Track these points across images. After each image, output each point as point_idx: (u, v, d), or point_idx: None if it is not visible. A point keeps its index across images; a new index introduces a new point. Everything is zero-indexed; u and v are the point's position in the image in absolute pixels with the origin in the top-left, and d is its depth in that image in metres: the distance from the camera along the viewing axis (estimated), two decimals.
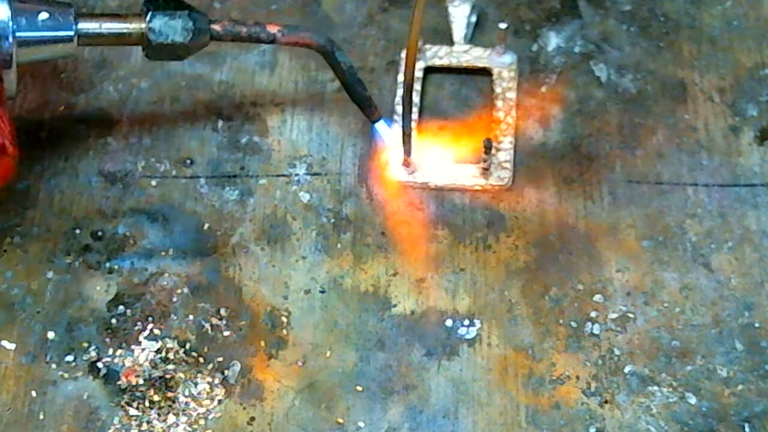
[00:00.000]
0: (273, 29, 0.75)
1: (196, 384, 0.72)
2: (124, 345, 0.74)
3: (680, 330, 0.74)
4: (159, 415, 0.71)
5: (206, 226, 0.78)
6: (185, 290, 0.76)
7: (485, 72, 0.84)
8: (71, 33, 0.73)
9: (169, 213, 0.79)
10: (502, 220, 0.78)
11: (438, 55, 0.84)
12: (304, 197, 0.79)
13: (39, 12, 0.72)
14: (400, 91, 0.82)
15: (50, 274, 0.76)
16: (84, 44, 0.74)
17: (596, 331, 0.74)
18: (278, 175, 0.80)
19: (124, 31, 0.74)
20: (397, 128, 0.79)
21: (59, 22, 0.72)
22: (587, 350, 0.73)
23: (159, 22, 0.73)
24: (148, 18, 0.73)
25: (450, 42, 0.85)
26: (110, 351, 0.73)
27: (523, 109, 0.82)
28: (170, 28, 0.73)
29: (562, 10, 0.87)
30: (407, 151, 0.78)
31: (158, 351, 0.73)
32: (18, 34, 0.71)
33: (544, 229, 0.78)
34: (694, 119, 0.82)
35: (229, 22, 0.75)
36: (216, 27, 0.74)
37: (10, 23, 0.71)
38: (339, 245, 0.77)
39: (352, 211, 0.79)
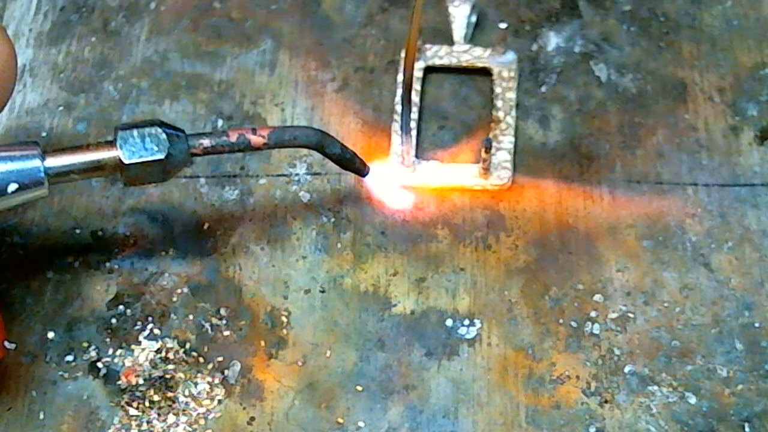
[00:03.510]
0: (260, 139, 0.70)
1: (196, 384, 0.72)
2: (124, 345, 0.74)
3: (680, 330, 0.74)
4: (159, 415, 0.71)
5: (206, 226, 0.78)
6: (185, 290, 0.76)
7: (485, 72, 0.84)
8: (41, 176, 0.66)
9: (169, 213, 0.79)
10: (502, 220, 0.78)
11: (438, 54, 0.84)
12: (304, 197, 0.79)
13: (8, 183, 0.66)
14: (400, 91, 0.82)
15: (50, 274, 0.76)
16: (55, 183, 0.67)
17: (596, 331, 0.74)
18: (278, 175, 0.80)
19: (97, 162, 0.68)
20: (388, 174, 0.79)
21: (25, 168, 0.66)
22: (587, 350, 0.73)
23: (132, 148, 0.67)
24: (119, 144, 0.67)
25: (450, 42, 0.85)
26: (110, 351, 0.73)
27: (523, 109, 0.82)
28: (145, 151, 0.68)
29: (562, 10, 0.87)
30: (407, 151, 0.78)
31: (158, 351, 0.73)
32: None
33: (544, 229, 0.78)
34: (694, 119, 0.82)
35: (209, 137, 0.70)
36: (196, 149, 0.70)
37: None
38: (339, 245, 0.77)
39: (352, 211, 0.79)
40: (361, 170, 0.75)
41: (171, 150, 0.68)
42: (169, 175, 0.69)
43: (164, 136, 0.68)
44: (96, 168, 0.68)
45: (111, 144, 0.68)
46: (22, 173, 0.66)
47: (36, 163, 0.66)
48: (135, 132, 0.68)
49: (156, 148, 0.68)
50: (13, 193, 0.66)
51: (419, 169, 0.79)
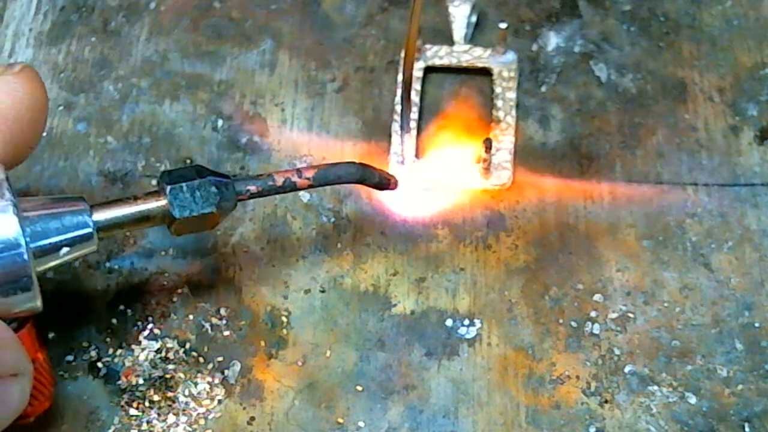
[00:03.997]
0: (305, 181, 0.70)
1: (196, 384, 0.72)
2: (124, 345, 0.74)
3: (680, 330, 0.74)
4: (159, 415, 0.71)
5: None
6: (185, 290, 0.76)
7: (485, 72, 0.84)
8: (90, 230, 0.66)
9: None
10: (502, 220, 0.78)
11: (438, 54, 0.84)
12: (304, 197, 0.79)
13: (60, 246, 0.64)
14: (400, 91, 0.82)
15: (50, 274, 0.76)
16: (104, 237, 0.67)
17: (596, 331, 0.74)
18: None
19: (146, 214, 0.67)
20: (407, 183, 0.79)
21: (74, 224, 0.65)
22: (587, 350, 0.73)
23: (183, 203, 0.67)
24: (170, 200, 0.67)
25: (450, 42, 0.85)
26: (110, 351, 0.73)
27: (523, 109, 0.82)
28: (196, 205, 0.67)
29: (562, 10, 0.87)
30: (407, 151, 0.78)
31: (158, 351, 0.73)
32: (33, 245, 0.63)
33: (544, 229, 0.78)
34: (694, 119, 0.82)
35: (256, 182, 0.69)
36: (243, 195, 0.69)
37: (22, 239, 0.62)
38: (339, 245, 0.77)
39: (352, 211, 0.79)
40: (393, 188, 0.75)
41: (221, 201, 0.68)
42: (217, 223, 0.69)
43: (214, 189, 0.67)
44: (144, 220, 0.67)
45: (158, 194, 0.68)
46: (71, 230, 0.65)
47: (85, 219, 0.66)
48: (185, 186, 0.67)
49: (206, 202, 0.67)
50: (64, 255, 0.65)
51: (419, 169, 0.79)
